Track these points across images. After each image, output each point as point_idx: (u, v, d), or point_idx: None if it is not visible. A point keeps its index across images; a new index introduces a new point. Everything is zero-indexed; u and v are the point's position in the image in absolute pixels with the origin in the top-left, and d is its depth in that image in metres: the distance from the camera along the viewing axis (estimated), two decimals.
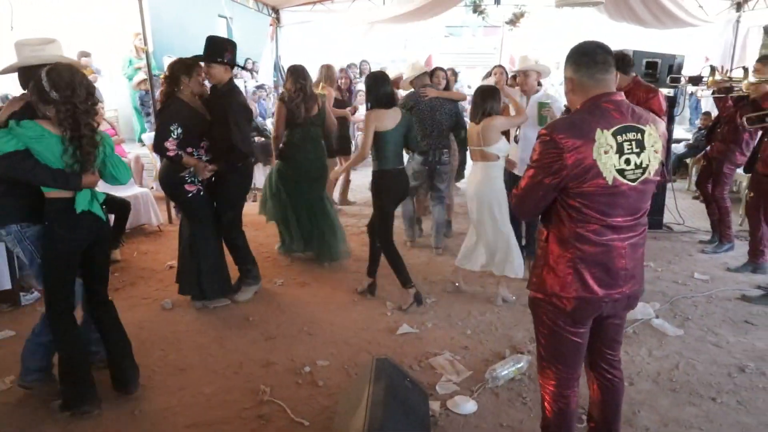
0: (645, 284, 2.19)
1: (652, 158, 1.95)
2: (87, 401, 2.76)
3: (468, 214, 4.21)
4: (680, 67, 5.71)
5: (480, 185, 3.97)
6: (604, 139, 1.88)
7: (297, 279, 4.59)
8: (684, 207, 6.57)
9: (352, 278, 4.58)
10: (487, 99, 3.92)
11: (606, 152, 1.88)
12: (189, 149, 3.70)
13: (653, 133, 1.96)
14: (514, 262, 3.96)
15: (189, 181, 3.79)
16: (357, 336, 3.61)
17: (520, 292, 4.11)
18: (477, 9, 8.99)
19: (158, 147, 3.66)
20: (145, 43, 5.79)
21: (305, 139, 4.61)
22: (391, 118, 3.85)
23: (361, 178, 7.54)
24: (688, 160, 8.17)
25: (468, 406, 2.82)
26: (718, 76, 4.87)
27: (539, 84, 4.93)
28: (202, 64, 3.75)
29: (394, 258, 4.04)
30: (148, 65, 6.09)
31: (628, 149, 1.90)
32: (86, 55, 8.38)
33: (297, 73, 4.54)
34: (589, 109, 1.95)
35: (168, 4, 10.48)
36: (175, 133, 3.60)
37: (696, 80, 5.41)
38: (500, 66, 6.43)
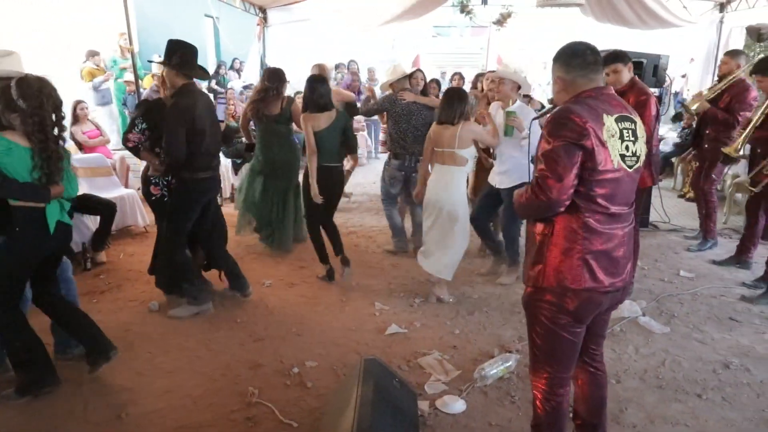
0: (632, 282, 2.23)
1: (643, 149, 2.06)
2: (48, 381, 2.88)
3: (422, 216, 4.22)
4: (665, 67, 5.77)
5: (445, 190, 3.93)
6: (610, 123, 1.95)
7: (285, 280, 4.57)
8: (669, 206, 6.62)
9: (340, 279, 4.57)
10: (464, 101, 3.92)
11: (612, 136, 1.95)
12: (157, 149, 3.75)
13: (642, 125, 2.08)
14: (449, 265, 4.05)
15: (154, 182, 3.86)
16: (345, 336, 3.60)
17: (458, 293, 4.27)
18: (464, 9, 9.01)
19: (123, 137, 3.85)
20: (131, 43, 5.73)
21: (269, 134, 4.93)
22: (324, 119, 4.16)
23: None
24: (673, 159, 8.25)
25: (457, 405, 2.82)
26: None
27: (527, 97, 4.96)
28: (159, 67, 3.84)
29: (316, 239, 4.45)
30: (134, 65, 6.03)
31: (627, 137, 1.99)
32: (95, 54, 8.30)
33: (268, 74, 4.90)
34: (591, 97, 1.99)
35: (153, 4, 10.40)
36: (139, 128, 3.74)
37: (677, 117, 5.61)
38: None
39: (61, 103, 2.72)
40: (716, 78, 5.49)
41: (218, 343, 3.51)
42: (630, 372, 3.20)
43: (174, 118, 3.50)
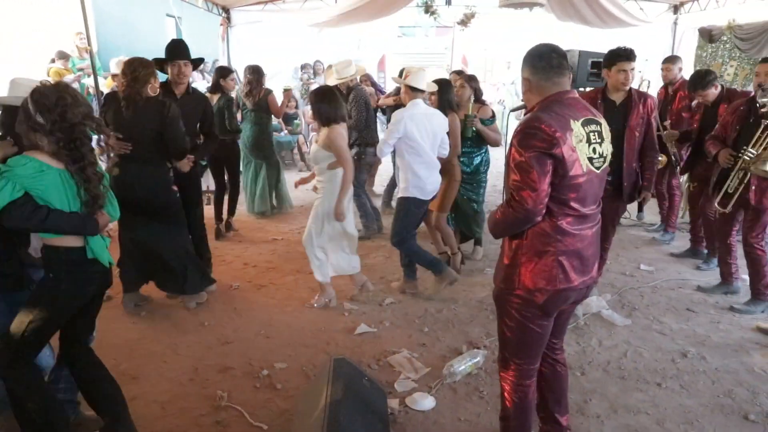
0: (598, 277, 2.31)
1: (609, 148, 2.13)
2: None
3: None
4: None
5: (331, 193, 3.82)
6: (578, 128, 2.00)
7: (253, 282, 4.53)
8: None
9: (308, 279, 4.56)
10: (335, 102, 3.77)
11: (580, 141, 2.00)
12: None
13: (606, 126, 2.13)
14: (353, 258, 4.09)
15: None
16: (315, 337, 3.60)
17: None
18: (428, 9, 9.07)
19: None
20: (89, 43, 5.59)
21: (246, 120, 6.00)
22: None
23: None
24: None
25: (426, 402, 2.86)
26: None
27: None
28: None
29: None
30: (93, 66, 5.88)
31: (594, 140, 2.04)
32: (65, 56, 8.05)
33: (250, 70, 5.87)
34: (552, 102, 2.03)
35: (112, 3, 10.15)
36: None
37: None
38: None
39: (90, 109, 2.28)
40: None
41: (185, 347, 3.46)
42: (594, 364, 3.29)
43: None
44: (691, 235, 5.24)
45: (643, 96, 3.79)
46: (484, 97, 5.07)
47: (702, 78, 4.59)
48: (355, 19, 8.71)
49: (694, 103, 5.14)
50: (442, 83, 4.37)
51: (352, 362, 2.75)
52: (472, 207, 4.86)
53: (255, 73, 5.82)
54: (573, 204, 2.02)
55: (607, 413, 2.82)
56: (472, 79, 4.94)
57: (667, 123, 5.34)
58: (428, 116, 3.94)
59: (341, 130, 3.75)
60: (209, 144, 4.38)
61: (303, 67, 10.50)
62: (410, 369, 3.20)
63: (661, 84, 5.78)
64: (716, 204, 4.04)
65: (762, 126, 3.70)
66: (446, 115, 4.15)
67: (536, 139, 1.94)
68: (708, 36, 8.16)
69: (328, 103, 3.72)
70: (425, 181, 3.94)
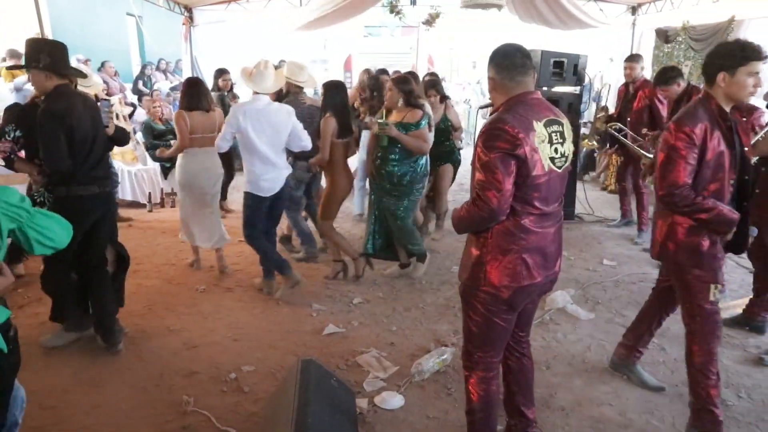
0: (560, 273, 2.35)
1: (570, 148, 2.17)
2: None
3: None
4: (584, 66, 6.09)
5: (206, 171, 4.51)
6: (540, 129, 2.04)
7: (219, 284, 4.47)
8: (593, 198, 6.99)
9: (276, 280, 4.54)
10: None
11: (542, 141, 2.04)
12: (36, 159, 3.31)
13: (568, 126, 2.18)
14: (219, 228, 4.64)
15: (38, 200, 3.34)
16: (283, 339, 3.57)
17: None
18: (393, 9, 9.11)
19: None
20: None
21: None
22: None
23: None
24: (595, 154, 8.68)
25: (395, 401, 2.87)
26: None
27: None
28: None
29: None
30: None
31: (555, 140, 2.08)
32: (17, 54, 7.74)
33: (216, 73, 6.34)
34: (516, 103, 2.07)
35: (70, 2, 9.88)
36: (12, 135, 3.37)
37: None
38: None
39: None
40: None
41: (150, 352, 3.39)
42: (559, 358, 3.35)
43: (50, 125, 3.01)
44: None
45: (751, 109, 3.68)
46: (452, 96, 5.14)
47: (664, 74, 4.74)
48: (323, 23, 8.68)
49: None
50: (328, 86, 4.29)
51: (320, 363, 2.75)
52: (393, 221, 4.36)
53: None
54: (536, 203, 2.07)
55: (572, 406, 2.88)
56: (433, 77, 5.05)
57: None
58: (266, 112, 3.93)
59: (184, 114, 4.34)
60: None
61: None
62: (379, 368, 3.21)
63: (621, 83, 5.93)
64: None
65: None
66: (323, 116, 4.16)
67: (500, 140, 1.98)
68: (664, 37, 8.40)
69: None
70: (259, 177, 3.97)
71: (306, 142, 4.14)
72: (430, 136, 4.45)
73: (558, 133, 2.11)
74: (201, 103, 4.40)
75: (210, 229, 4.61)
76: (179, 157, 4.52)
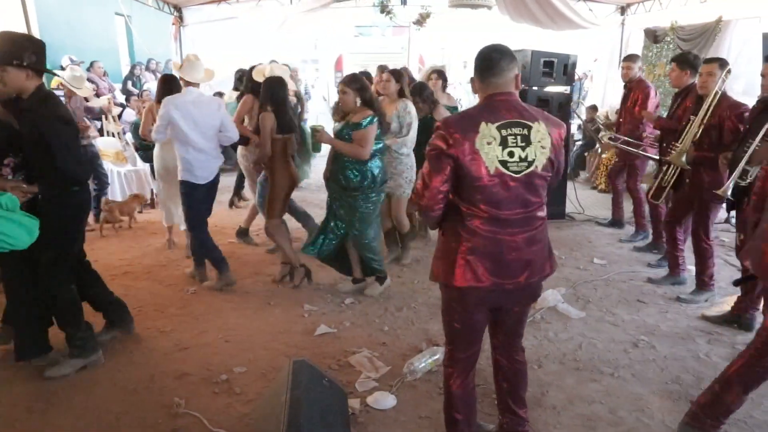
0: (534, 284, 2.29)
1: (539, 153, 2.04)
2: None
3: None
4: (574, 65, 6.12)
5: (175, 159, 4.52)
6: (488, 131, 2.01)
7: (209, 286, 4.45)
8: (583, 197, 7.03)
9: (266, 282, 4.52)
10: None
11: (489, 143, 2.00)
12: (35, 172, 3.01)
13: (541, 129, 2.05)
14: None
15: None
16: (275, 340, 3.56)
17: None
18: (384, 9, 9.11)
19: None
20: None
21: None
22: None
23: None
24: (586, 154, 8.73)
25: (387, 401, 2.87)
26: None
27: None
28: None
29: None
30: None
31: (512, 143, 2.01)
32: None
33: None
34: (482, 105, 2.10)
35: (58, 2, 9.79)
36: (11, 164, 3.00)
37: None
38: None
39: None
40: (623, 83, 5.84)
41: (141, 354, 3.37)
42: (550, 357, 3.37)
43: (66, 133, 2.91)
44: (653, 230, 5.36)
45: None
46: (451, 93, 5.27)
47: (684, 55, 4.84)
48: (313, 19, 8.67)
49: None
50: (268, 81, 4.27)
51: (312, 364, 2.73)
52: (351, 229, 4.09)
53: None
54: (482, 206, 2.04)
55: (564, 404, 2.89)
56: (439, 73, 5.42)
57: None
58: (196, 104, 4.15)
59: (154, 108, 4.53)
60: None
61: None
62: (371, 368, 3.21)
63: (611, 82, 5.95)
64: (649, 196, 4.29)
65: (688, 122, 3.95)
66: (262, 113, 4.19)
67: (438, 138, 2.03)
68: (653, 37, 8.47)
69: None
70: (194, 166, 4.16)
71: (232, 134, 4.33)
72: (411, 138, 4.48)
73: (518, 136, 2.02)
74: None
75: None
76: (156, 147, 4.88)
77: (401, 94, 4.59)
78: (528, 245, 2.11)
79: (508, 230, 2.08)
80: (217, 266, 4.32)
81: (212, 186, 4.29)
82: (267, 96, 4.19)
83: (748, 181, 3.31)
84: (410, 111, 4.52)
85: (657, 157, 5.00)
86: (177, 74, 4.20)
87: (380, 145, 4.03)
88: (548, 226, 2.26)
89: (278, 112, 4.16)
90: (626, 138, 5.38)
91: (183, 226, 4.85)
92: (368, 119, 3.82)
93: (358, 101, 3.86)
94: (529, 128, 2.04)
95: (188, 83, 4.21)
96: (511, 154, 2.01)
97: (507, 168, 2.02)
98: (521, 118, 2.05)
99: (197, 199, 4.23)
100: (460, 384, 2.32)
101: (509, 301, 2.25)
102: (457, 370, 2.31)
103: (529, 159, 2.03)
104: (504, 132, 2.01)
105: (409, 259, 4.93)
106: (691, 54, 4.88)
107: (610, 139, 5.55)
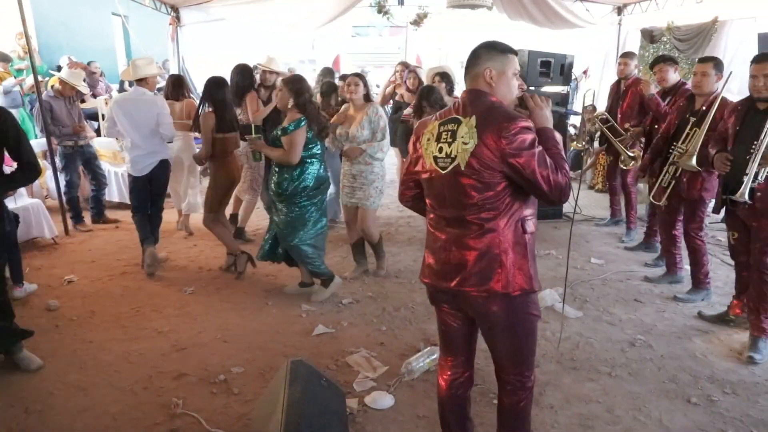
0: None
1: (460, 150, 1.92)
2: None
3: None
4: (571, 65, 6.14)
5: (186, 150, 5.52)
6: (432, 127, 2.06)
7: (208, 286, 4.45)
8: (582, 197, 7.04)
9: (264, 282, 4.52)
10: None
11: (428, 139, 2.06)
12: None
13: (468, 126, 1.92)
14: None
15: None
16: (273, 340, 3.57)
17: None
18: (381, 9, 9.10)
19: None
20: (28, 43, 5.38)
21: None
22: None
23: None
24: (582, 154, 8.74)
25: (385, 400, 2.87)
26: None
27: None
28: None
29: None
30: (32, 66, 5.66)
31: (443, 139, 2.00)
32: (6, 59, 7.67)
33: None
34: (455, 102, 2.14)
35: (55, 2, 9.78)
36: None
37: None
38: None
39: None
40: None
41: (138, 355, 3.37)
42: (548, 356, 3.37)
43: (17, 124, 3.00)
44: (647, 228, 5.38)
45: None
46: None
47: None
48: (315, 21, 8.67)
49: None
50: (210, 82, 4.48)
51: (310, 364, 2.74)
52: (281, 234, 4.00)
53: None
54: (428, 200, 2.12)
55: (561, 404, 2.90)
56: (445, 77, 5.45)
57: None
58: (134, 101, 4.55)
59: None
60: None
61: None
62: (368, 368, 3.21)
63: (606, 82, 5.96)
64: (651, 197, 4.30)
65: (690, 123, 3.92)
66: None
67: (413, 135, 2.18)
68: (649, 37, 8.47)
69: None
70: (132, 160, 4.58)
71: (165, 131, 4.61)
72: (387, 142, 4.39)
73: (449, 132, 1.95)
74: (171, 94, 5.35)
75: (182, 195, 5.76)
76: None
77: (367, 98, 4.43)
78: (457, 248, 1.98)
79: (444, 228, 2.05)
80: (141, 241, 4.67)
81: (151, 179, 4.63)
82: (207, 96, 4.43)
83: (759, 181, 3.26)
84: (381, 114, 4.35)
85: (631, 153, 5.21)
86: (125, 75, 4.63)
87: (314, 150, 3.88)
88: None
89: (218, 112, 4.41)
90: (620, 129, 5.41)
91: (182, 208, 5.65)
92: (295, 122, 3.72)
93: (291, 103, 3.78)
94: (459, 123, 1.96)
95: (139, 83, 4.59)
96: (440, 150, 1.99)
97: (437, 163, 2.00)
98: (461, 114, 1.98)
99: (137, 188, 4.67)
100: (445, 388, 2.29)
101: (461, 309, 2.12)
102: (443, 374, 2.30)
103: (452, 155, 1.94)
104: (441, 128, 2.02)
105: (385, 270, 4.66)
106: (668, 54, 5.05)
107: (603, 121, 5.54)
